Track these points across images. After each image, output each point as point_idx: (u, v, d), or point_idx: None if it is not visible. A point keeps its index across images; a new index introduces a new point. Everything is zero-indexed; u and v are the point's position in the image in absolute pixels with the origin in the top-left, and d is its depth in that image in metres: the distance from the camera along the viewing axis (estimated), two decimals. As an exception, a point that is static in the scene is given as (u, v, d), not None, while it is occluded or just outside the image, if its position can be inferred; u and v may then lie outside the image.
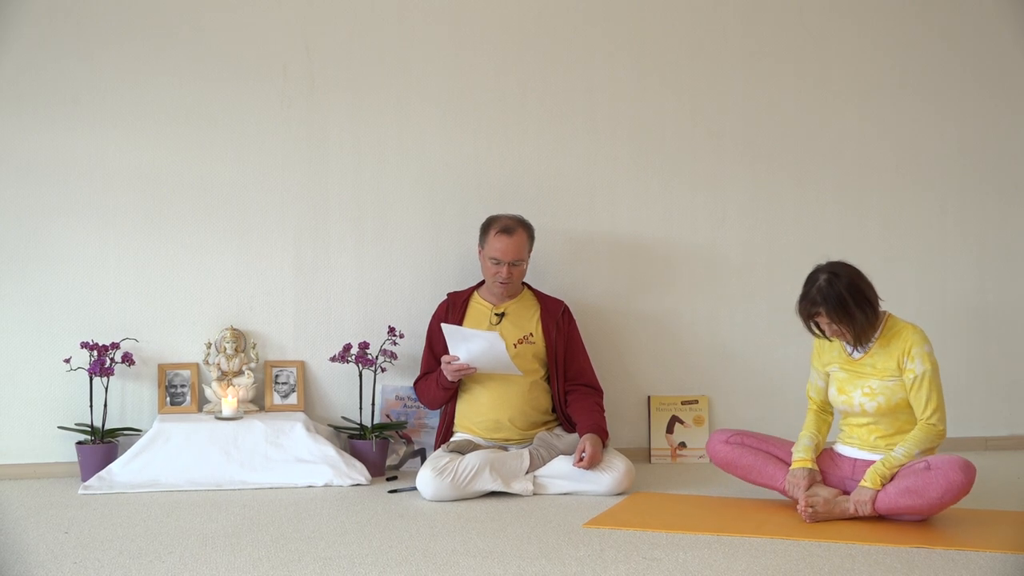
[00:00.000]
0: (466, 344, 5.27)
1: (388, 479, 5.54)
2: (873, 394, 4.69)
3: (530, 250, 5.54)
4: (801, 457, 4.82)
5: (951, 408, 5.77)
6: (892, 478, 4.58)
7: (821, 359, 4.88)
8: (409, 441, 5.83)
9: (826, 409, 4.95)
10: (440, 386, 5.41)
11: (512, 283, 5.49)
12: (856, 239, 6.27)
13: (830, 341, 4.78)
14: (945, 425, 4.64)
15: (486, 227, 5.51)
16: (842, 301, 4.56)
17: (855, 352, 4.75)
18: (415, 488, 5.12)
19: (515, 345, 5.42)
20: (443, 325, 5.33)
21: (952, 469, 4.44)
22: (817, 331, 4.72)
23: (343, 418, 5.79)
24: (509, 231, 5.45)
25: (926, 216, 6.39)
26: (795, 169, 6.28)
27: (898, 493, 4.51)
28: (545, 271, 5.94)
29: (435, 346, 5.54)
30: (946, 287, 6.40)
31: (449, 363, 5.32)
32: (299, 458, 5.41)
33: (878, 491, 4.57)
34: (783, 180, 6.27)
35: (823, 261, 4.74)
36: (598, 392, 5.56)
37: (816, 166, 6.30)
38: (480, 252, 5.52)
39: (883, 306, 4.77)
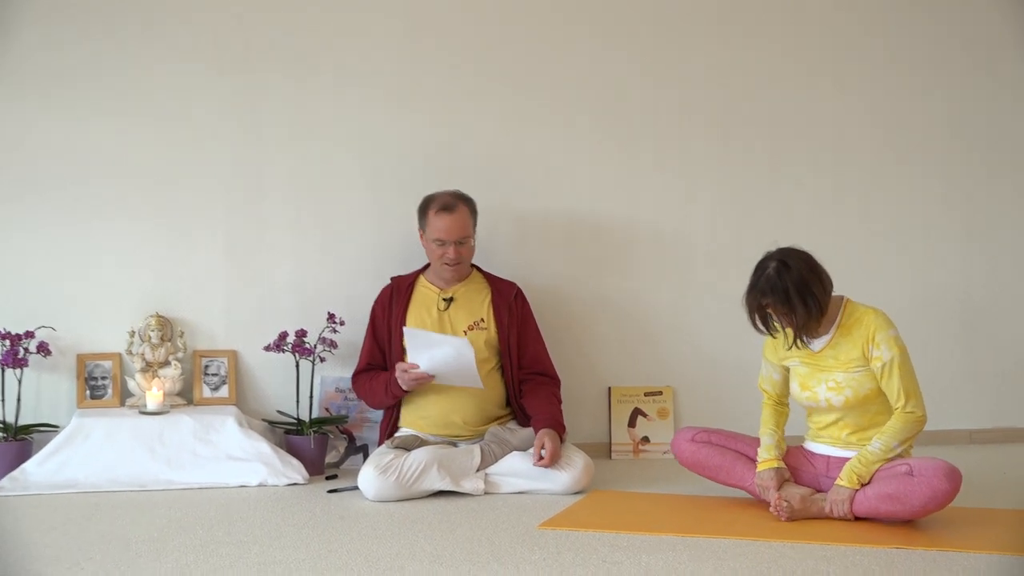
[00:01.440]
0: (429, 351, 5.24)
1: (327, 478, 5.53)
2: (839, 388, 4.70)
3: (474, 225, 5.54)
4: (766, 458, 4.83)
5: (934, 400, 5.79)
6: (871, 477, 4.60)
7: (777, 352, 4.88)
8: (350, 437, 5.82)
9: (782, 401, 4.96)
10: (390, 393, 5.38)
11: (462, 264, 5.49)
12: (833, 222, 6.30)
13: (774, 337, 4.78)
14: (924, 410, 4.65)
15: (424, 208, 5.50)
16: (788, 294, 4.54)
17: (814, 344, 4.74)
18: (356, 487, 5.11)
19: (465, 331, 5.42)
20: (406, 330, 5.31)
21: (936, 476, 4.45)
22: (761, 326, 4.69)
23: (278, 412, 5.78)
24: (450, 208, 5.44)
25: (909, 198, 6.43)
26: (768, 147, 6.31)
27: (878, 499, 4.53)
28: (497, 253, 5.94)
29: (378, 335, 5.53)
30: (930, 273, 6.45)
31: (407, 371, 5.30)
32: (231, 455, 5.40)
33: (856, 491, 4.59)
34: (755, 158, 6.29)
35: (773, 248, 4.70)
36: (554, 381, 5.57)
37: (791, 144, 6.32)
38: (422, 235, 5.51)
39: (845, 291, 4.76)
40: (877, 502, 4.53)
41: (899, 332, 4.69)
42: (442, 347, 5.23)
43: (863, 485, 4.59)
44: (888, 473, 4.57)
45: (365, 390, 5.51)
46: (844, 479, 4.60)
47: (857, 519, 4.60)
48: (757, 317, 4.66)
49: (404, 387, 5.31)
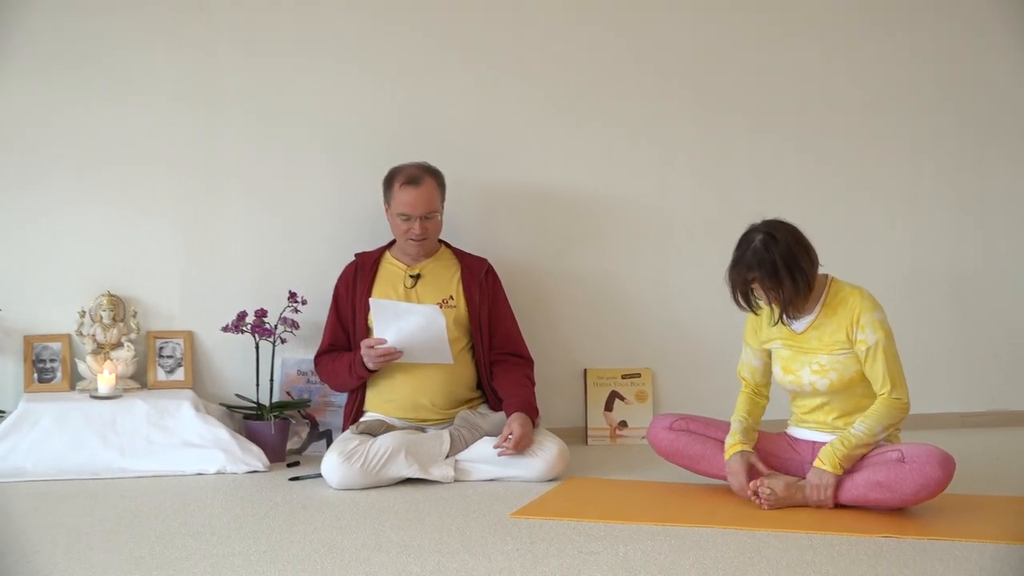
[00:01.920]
0: (397, 323, 5.24)
1: (289, 465, 5.54)
2: (823, 371, 4.69)
3: (442, 199, 5.54)
4: (731, 443, 4.81)
5: (925, 383, 5.85)
6: (856, 462, 4.60)
7: (759, 336, 4.87)
8: (313, 422, 5.82)
9: (760, 392, 4.94)
10: (354, 374, 5.39)
11: (428, 239, 5.49)
12: (818, 191, 6.31)
13: (756, 315, 4.77)
14: (908, 397, 4.64)
15: (389, 181, 5.49)
16: (775, 267, 4.52)
17: (796, 324, 4.74)
18: (320, 475, 5.11)
19: (434, 310, 5.43)
20: (372, 301, 5.30)
21: (929, 463, 4.45)
22: (744, 303, 4.67)
23: (237, 396, 5.77)
24: (415, 181, 5.44)
25: (898, 166, 6.45)
26: (750, 112, 6.31)
27: (867, 486, 4.53)
28: (467, 228, 5.94)
29: (341, 314, 5.53)
30: (920, 246, 6.47)
31: (372, 347, 5.29)
32: (187, 442, 5.39)
33: (838, 476, 4.59)
34: (736, 124, 6.30)
35: (758, 220, 4.69)
36: (527, 362, 5.58)
37: (774, 109, 6.33)
38: (387, 210, 5.51)
39: (830, 270, 4.75)
40: (866, 490, 4.54)
41: (886, 314, 4.68)
42: (411, 317, 5.23)
43: (845, 471, 4.60)
44: (878, 459, 4.57)
45: (328, 372, 5.51)
46: (827, 463, 4.58)
47: (841, 506, 4.61)
48: (740, 293, 4.65)
49: (370, 365, 5.30)
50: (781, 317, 4.66)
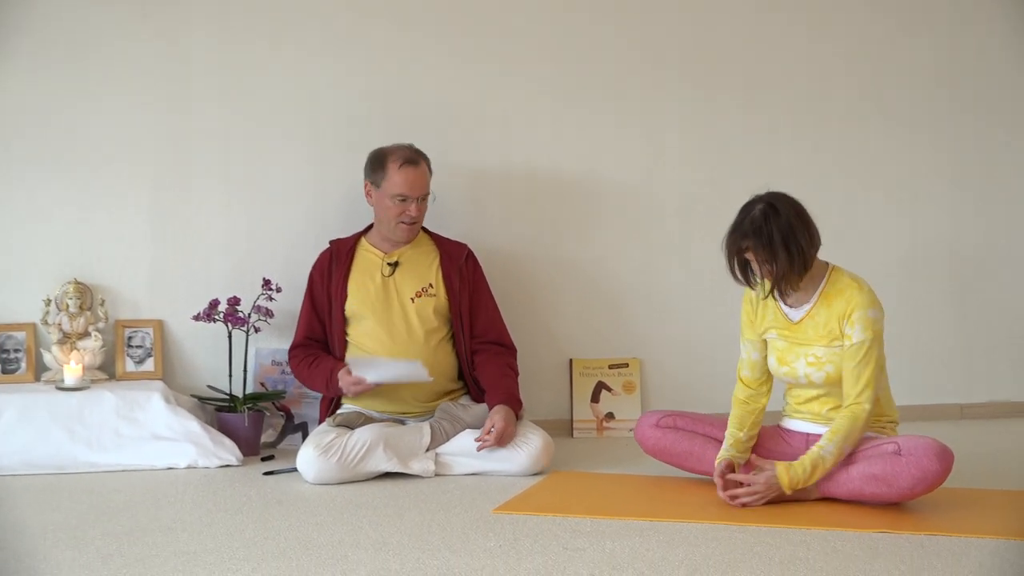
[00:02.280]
0: (378, 371, 5.25)
1: (263, 459, 5.54)
2: (819, 363, 4.69)
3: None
4: (722, 455, 4.79)
5: (921, 371, 5.88)
6: (820, 479, 4.60)
7: (755, 327, 4.86)
8: (288, 414, 5.82)
9: (760, 392, 4.88)
10: (330, 390, 5.39)
11: (419, 223, 5.51)
12: (813, 175, 6.32)
13: (752, 288, 4.75)
14: (872, 404, 4.59)
15: (381, 161, 5.48)
16: (771, 238, 4.51)
17: (793, 313, 4.74)
18: (295, 469, 5.11)
19: (412, 299, 5.43)
20: (349, 360, 5.30)
21: (927, 456, 4.45)
22: (739, 275, 4.67)
23: (209, 387, 5.76)
24: (414, 162, 5.45)
25: (894, 148, 6.46)
26: (742, 94, 6.32)
27: (862, 480, 4.54)
28: (449, 214, 5.93)
29: (316, 304, 5.53)
30: (917, 230, 6.48)
31: (355, 384, 5.26)
32: (157, 435, 5.39)
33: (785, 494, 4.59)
34: (728, 107, 6.31)
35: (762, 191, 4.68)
36: (510, 351, 5.59)
37: (766, 91, 6.34)
38: (374, 192, 5.49)
39: (829, 255, 4.75)
40: (862, 483, 4.54)
41: (882, 313, 4.66)
42: (393, 369, 5.24)
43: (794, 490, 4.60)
44: (874, 452, 4.57)
45: (304, 375, 5.51)
46: (784, 475, 4.55)
47: (835, 501, 4.61)
48: (736, 262, 4.65)
49: (348, 393, 5.31)
50: (772, 292, 4.66)
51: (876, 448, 4.59)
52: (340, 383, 5.29)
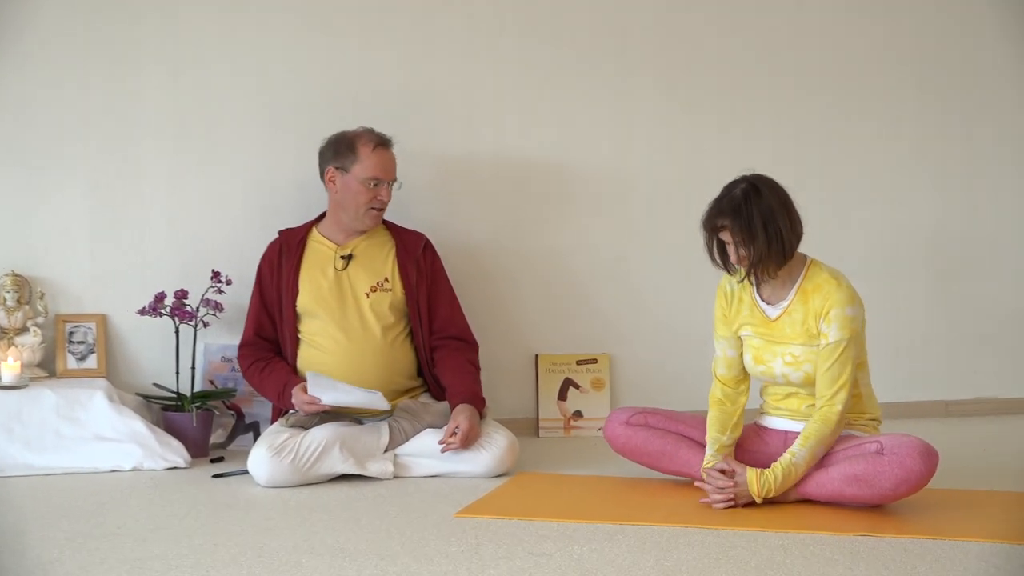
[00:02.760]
0: (335, 393, 5.22)
1: (212, 461, 5.54)
2: (797, 363, 4.70)
3: (390, 168, 5.58)
4: (708, 460, 4.77)
5: (904, 366, 5.89)
6: (793, 484, 4.62)
7: (729, 324, 4.86)
8: (238, 413, 5.81)
9: (734, 397, 4.87)
10: (282, 402, 5.37)
11: (385, 208, 5.51)
12: (792, 161, 6.32)
13: (730, 274, 4.76)
14: (845, 405, 4.60)
15: (350, 144, 5.45)
16: (751, 219, 4.53)
17: (770, 310, 4.74)
18: (246, 471, 5.11)
19: (367, 294, 5.43)
20: (310, 375, 5.25)
21: (910, 455, 4.46)
22: (718, 257, 4.69)
23: (155, 385, 5.75)
24: (386, 143, 5.47)
25: (876, 135, 6.49)
26: (718, 77, 6.33)
27: (843, 480, 4.54)
28: (410, 202, 5.91)
29: (266, 299, 5.52)
30: (900, 221, 6.51)
31: (309, 403, 5.22)
32: (100, 436, 5.38)
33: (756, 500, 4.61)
34: (703, 90, 6.32)
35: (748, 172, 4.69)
36: (471, 347, 5.59)
37: (744, 74, 6.35)
38: (339, 177, 5.45)
39: (808, 245, 4.75)
40: (841, 484, 4.55)
41: (862, 311, 4.67)
42: (352, 396, 5.22)
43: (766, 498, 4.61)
44: (855, 451, 4.59)
45: (255, 381, 5.50)
46: (755, 483, 4.57)
47: (813, 502, 4.63)
48: (715, 243, 4.67)
49: (301, 411, 5.28)
50: (748, 276, 4.67)
51: (857, 448, 4.60)
52: (293, 400, 5.27)
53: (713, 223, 4.61)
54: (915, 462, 4.45)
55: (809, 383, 4.71)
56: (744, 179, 4.64)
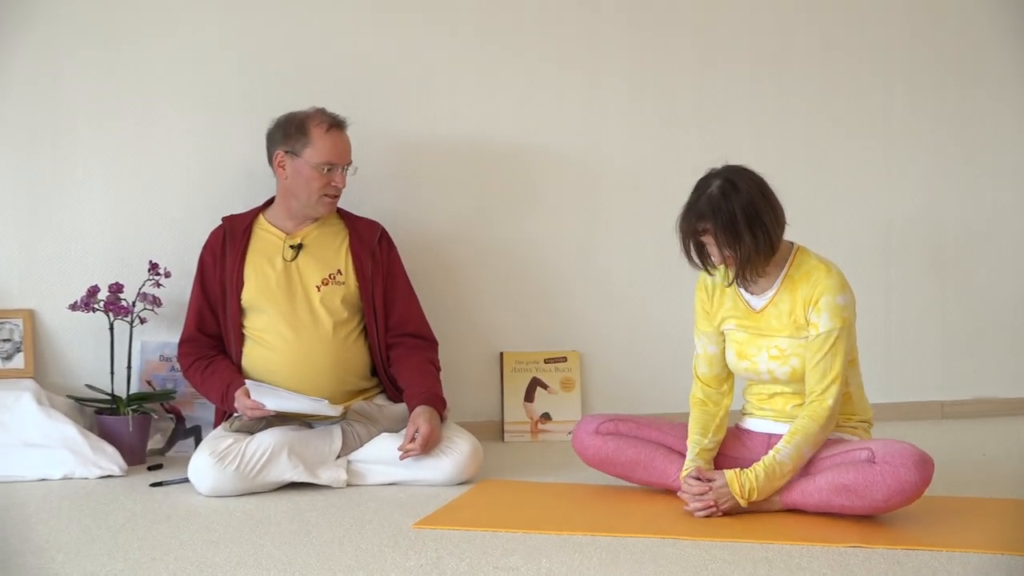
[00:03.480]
0: (278, 400, 5.21)
1: (150, 468, 5.52)
2: (783, 357, 4.70)
3: (344, 151, 5.58)
4: (689, 466, 4.76)
5: (898, 364, 5.89)
6: (776, 488, 4.61)
7: (710, 318, 4.86)
8: (178, 417, 5.80)
9: (716, 398, 4.88)
10: (225, 405, 5.35)
11: (340, 195, 5.50)
12: (776, 140, 6.36)
13: (711, 275, 4.77)
14: (836, 401, 4.61)
15: (301, 126, 5.43)
16: (733, 219, 4.51)
17: (755, 301, 4.74)
18: (187, 480, 5.10)
19: (318, 287, 5.42)
20: (249, 384, 5.25)
21: (904, 465, 4.44)
22: (696, 259, 4.68)
23: (88, 387, 5.74)
24: (341, 125, 5.46)
25: (866, 111, 6.50)
26: (696, 48, 6.34)
27: (831, 490, 4.53)
28: (365, 189, 5.91)
29: (208, 291, 5.50)
30: (892, 205, 6.53)
31: (253, 408, 5.19)
32: (27, 442, 5.36)
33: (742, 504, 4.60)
34: (680, 62, 6.33)
35: (719, 165, 4.67)
36: (431, 345, 5.59)
37: (723, 52, 6.36)
38: (289, 162, 5.43)
39: (794, 237, 4.75)
40: (830, 494, 4.55)
41: (853, 300, 4.68)
42: (296, 403, 5.21)
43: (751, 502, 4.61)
44: (844, 459, 4.59)
45: (196, 381, 5.48)
46: (735, 483, 4.56)
47: (800, 512, 4.64)
48: (692, 245, 4.64)
49: (245, 416, 5.26)
50: (736, 279, 4.66)
51: (847, 454, 4.60)
52: (236, 404, 5.25)
53: (692, 227, 4.60)
54: (909, 472, 4.44)
55: (796, 379, 4.71)
56: (717, 174, 4.62)
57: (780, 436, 4.71)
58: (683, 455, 4.86)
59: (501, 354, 6.19)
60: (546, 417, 6.15)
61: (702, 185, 4.62)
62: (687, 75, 6.32)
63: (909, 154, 6.54)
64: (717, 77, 6.34)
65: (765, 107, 6.39)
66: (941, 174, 6.56)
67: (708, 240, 4.60)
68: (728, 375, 4.90)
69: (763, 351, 4.74)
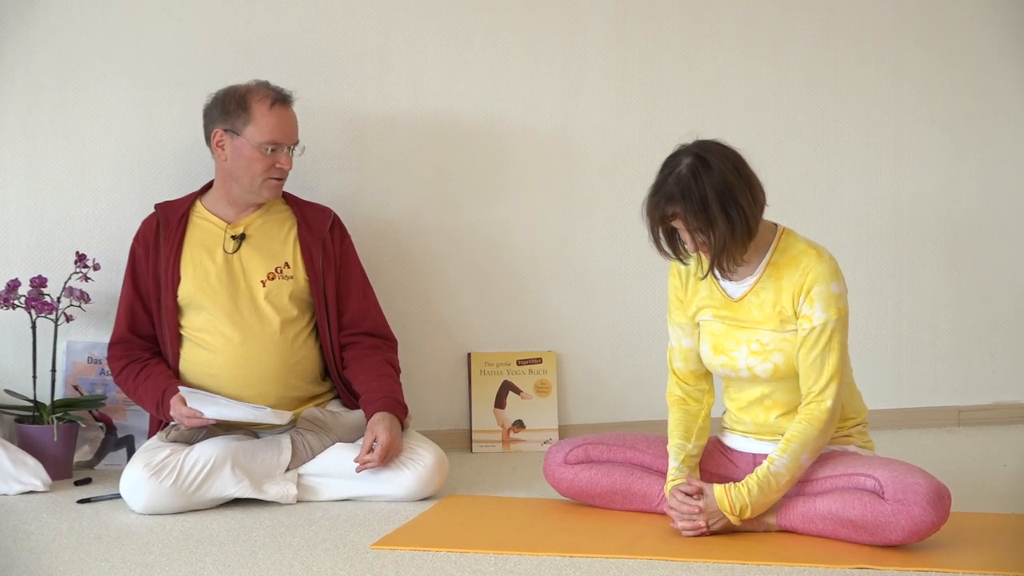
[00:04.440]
0: (218, 409, 5.19)
1: (78, 483, 5.52)
2: (765, 352, 4.66)
3: (290, 131, 5.57)
4: (673, 476, 4.74)
5: (907, 366, 5.89)
6: (773, 502, 4.59)
7: (685, 308, 4.84)
8: (109, 426, 5.78)
9: (696, 396, 4.87)
10: (161, 414, 5.33)
11: (286, 178, 5.48)
12: (771, 119, 6.35)
13: (684, 264, 4.74)
14: (836, 401, 4.57)
15: (242, 101, 5.41)
16: (705, 201, 4.45)
17: (733, 288, 4.70)
18: (118, 496, 5.09)
19: (263, 282, 5.40)
20: (183, 391, 5.21)
21: (918, 503, 4.37)
22: (666, 247, 4.65)
23: (7, 392, 5.72)
24: (286, 101, 5.44)
25: (872, 85, 6.51)
26: (684, 13, 6.34)
27: (834, 522, 4.49)
28: (314, 171, 5.92)
29: (140, 286, 5.48)
30: (901, 189, 6.53)
31: (190, 416, 5.16)
32: (-60, 454, 5.35)
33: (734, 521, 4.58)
34: (663, 34, 6.34)
35: (689, 140, 4.62)
36: (389, 344, 5.59)
37: (712, 16, 6.36)
38: (230, 141, 5.41)
39: (792, 224, 4.74)
40: (835, 525, 4.51)
41: (846, 289, 4.65)
42: (235, 412, 5.19)
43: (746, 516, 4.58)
44: (846, 483, 4.55)
45: (129, 388, 5.46)
46: (724, 498, 4.53)
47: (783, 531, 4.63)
48: (661, 232, 4.61)
49: (183, 426, 5.23)
50: (711, 269, 4.62)
51: (849, 478, 4.56)
52: (172, 412, 5.23)
53: (660, 211, 4.55)
54: (925, 512, 4.36)
55: (779, 377, 4.67)
56: (686, 150, 4.56)
57: (766, 456, 4.65)
58: (662, 473, 4.83)
59: (469, 355, 6.20)
60: (519, 425, 6.16)
61: (670, 163, 4.57)
62: (674, 44, 6.32)
63: (919, 129, 6.54)
64: (708, 46, 6.34)
65: (760, 78, 6.39)
66: (955, 153, 6.56)
67: (679, 225, 4.55)
68: (707, 372, 4.88)
69: (742, 345, 4.69)
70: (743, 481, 4.54)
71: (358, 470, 5.14)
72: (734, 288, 4.71)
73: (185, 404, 5.14)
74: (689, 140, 4.61)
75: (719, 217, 4.46)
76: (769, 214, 4.66)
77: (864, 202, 6.47)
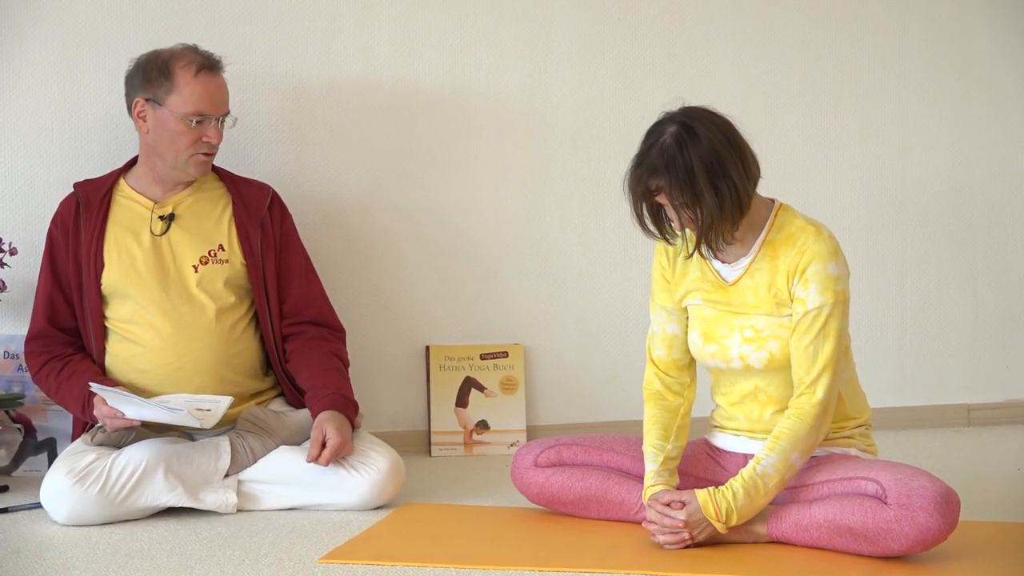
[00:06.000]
0: (135, 408, 5.13)
1: (-7, 491, 5.54)
2: (759, 339, 4.65)
3: (221, 100, 5.56)
4: (651, 482, 4.71)
5: (913, 360, 5.94)
6: (766, 511, 4.61)
7: (672, 291, 4.82)
8: (28, 427, 5.81)
9: (676, 389, 4.86)
10: (86, 416, 5.31)
11: (215, 152, 5.47)
12: (764, 88, 6.38)
13: (670, 243, 4.74)
14: (828, 394, 4.56)
15: (165, 68, 5.39)
16: (691, 173, 4.43)
17: (727, 271, 4.69)
18: (39, 505, 5.12)
19: (195, 267, 5.42)
20: (95, 388, 5.16)
21: (924, 509, 4.35)
22: (651, 225, 4.65)
23: (-85, 391, 5.75)
24: (213, 67, 5.42)
25: (875, 52, 6.53)
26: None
27: (831, 530, 4.47)
28: (250, 145, 5.93)
29: (59, 273, 5.49)
30: (907, 168, 6.56)
31: (112, 417, 5.14)
32: None
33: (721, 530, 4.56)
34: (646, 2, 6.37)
35: (675, 107, 4.60)
36: (336, 334, 5.61)
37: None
38: (151, 112, 5.40)
39: (773, 191, 4.74)
40: (831, 534, 4.49)
41: (848, 271, 4.64)
42: (154, 413, 5.13)
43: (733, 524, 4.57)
44: (845, 488, 4.54)
45: (51, 388, 5.46)
46: (709, 504, 4.51)
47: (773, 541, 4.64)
48: (645, 208, 4.61)
49: (107, 427, 5.22)
50: (697, 247, 4.60)
51: (849, 481, 4.54)
52: (95, 412, 5.20)
53: (643, 185, 4.53)
54: (930, 518, 4.34)
55: (774, 367, 4.66)
56: (671, 118, 4.54)
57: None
58: (641, 478, 4.80)
59: (427, 348, 6.23)
60: (483, 426, 6.19)
61: (653, 133, 4.54)
62: (654, 16, 6.35)
63: (926, 99, 6.58)
64: (691, 7, 6.37)
65: (752, 41, 6.42)
66: (966, 128, 6.59)
67: (664, 201, 4.54)
68: (690, 361, 4.86)
69: (735, 332, 4.68)
70: (727, 484, 4.52)
71: (309, 459, 5.12)
72: (728, 271, 4.70)
73: (107, 404, 5.15)
74: (674, 107, 4.59)
75: (707, 191, 4.43)
76: (760, 190, 4.65)
77: (867, 183, 6.49)
